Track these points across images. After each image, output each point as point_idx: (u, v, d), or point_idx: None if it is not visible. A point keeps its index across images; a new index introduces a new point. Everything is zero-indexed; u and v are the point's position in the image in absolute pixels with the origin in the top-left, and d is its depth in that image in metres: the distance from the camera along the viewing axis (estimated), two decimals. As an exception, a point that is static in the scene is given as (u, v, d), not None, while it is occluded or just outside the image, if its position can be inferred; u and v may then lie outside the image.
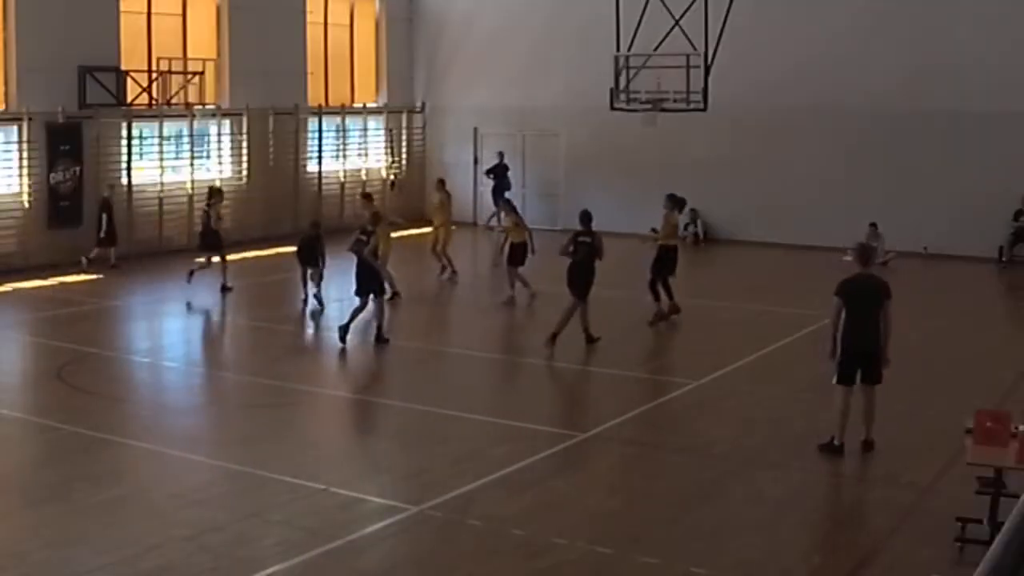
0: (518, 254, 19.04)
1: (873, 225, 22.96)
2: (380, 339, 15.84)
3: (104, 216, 22.07)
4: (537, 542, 8.99)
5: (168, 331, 18.23)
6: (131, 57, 23.42)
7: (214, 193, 20.58)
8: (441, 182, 22.87)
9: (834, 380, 11.18)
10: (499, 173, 27.93)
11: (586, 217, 15.85)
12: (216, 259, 19.87)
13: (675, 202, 17.70)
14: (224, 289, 19.63)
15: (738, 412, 13.02)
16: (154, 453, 11.30)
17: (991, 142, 23.17)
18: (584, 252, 15.53)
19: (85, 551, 8.75)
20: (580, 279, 15.55)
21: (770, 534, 9.33)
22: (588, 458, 11.35)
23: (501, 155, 27.95)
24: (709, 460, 11.27)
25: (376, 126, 29.63)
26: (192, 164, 24.87)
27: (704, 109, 21.06)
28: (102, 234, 21.96)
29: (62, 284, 20.50)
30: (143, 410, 13.13)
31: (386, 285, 17.25)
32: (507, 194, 25.29)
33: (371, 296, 15.87)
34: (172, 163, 24.87)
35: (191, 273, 19.68)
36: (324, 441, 11.91)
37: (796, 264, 23.19)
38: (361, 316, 15.99)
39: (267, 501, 9.84)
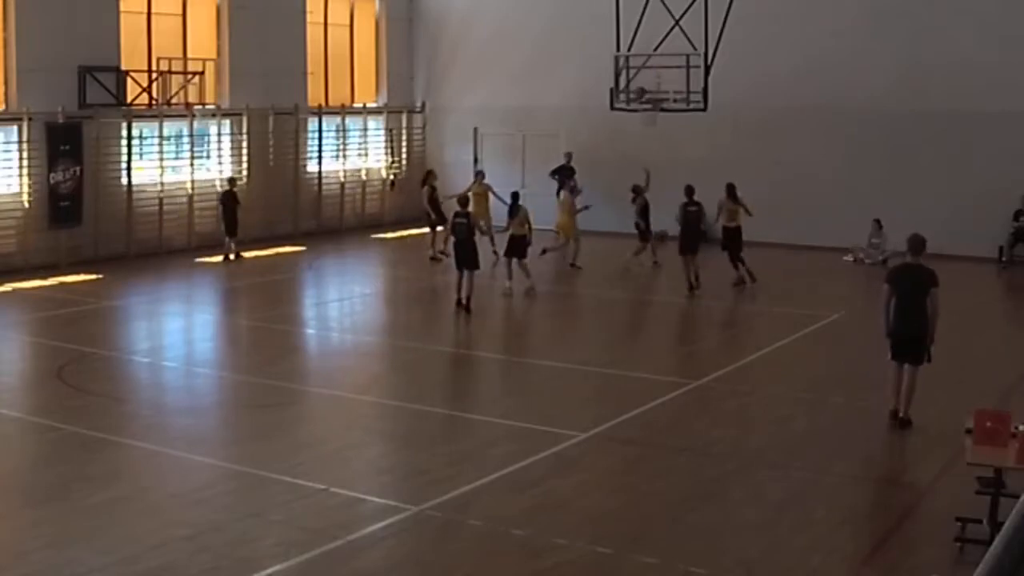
0: (518, 246, 19.52)
1: (877, 221, 22.98)
2: (466, 307, 17.73)
3: (235, 207, 23.41)
4: (537, 542, 8.99)
5: (168, 331, 18.23)
6: (131, 57, 23.42)
7: (430, 172, 24.98)
8: (480, 173, 24.25)
9: (888, 357, 12.07)
10: (565, 175, 26.74)
11: (690, 190, 20.28)
12: (437, 228, 23.32)
13: (729, 190, 20.81)
14: (442, 254, 22.81)
15: (738, 412, 13.02)
16: (154, 453, 11.29)
17: (991, 142, 23.15)
18: (694, 218, 20.26)
19: (85, 551, 8.75)
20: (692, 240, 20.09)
21: (770, 534, 9.33)
22: (588, 458, 11.34)
23: (569, 156, 26.67)
24: (709, 460, 11.27)
25: (376, 126, 29.63)
26: (192, 164, 24.88)
27: (704, 109, 21.07)
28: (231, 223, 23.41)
29: (62, 284, 20.50)
30: (143, 410, 13.11)
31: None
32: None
33: (467, 271, 17.83)
34: (172, 163, 24.88)
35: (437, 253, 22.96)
36: (324, 441, 11.89)
37: (796, 264, 23.18)
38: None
39: (267, 501, 9.83)
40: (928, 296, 11.82)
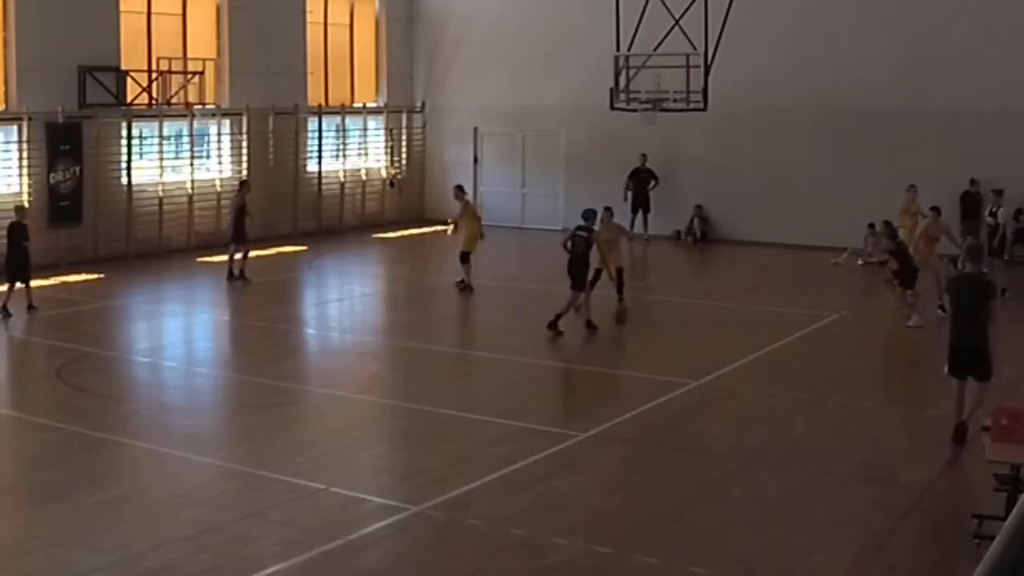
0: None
1: (871, 226, 22.95)
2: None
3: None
4: (537, 542, 8.99)
5: (168, 331, 18.23)
6: (131, 57, 23.43)
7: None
8: (460, 188, 21.25)
9: (945, 370, 11.63)
10: (638, 178, 26.29)
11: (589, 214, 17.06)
12: None
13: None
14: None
15: (738, 412, 13.02)
16: (154, 453, 11.30)
17: (990, 141, 23.15)
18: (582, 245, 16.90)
19: (85, 551, 8.75)
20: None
21: (770, 534, 9.33)
22: (588, 458, 11.34)
23: (644, 157, 26.08)
24: (709, 460, 11.27)
25: (376, 126, 29.64)
26: (192, 164, 24.87)
27: (704, 109, 21.07)
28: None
29: (62, 284, 20.49)
30: (143, 410, 13.12)
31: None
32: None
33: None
34: (172, 163, 24.88)
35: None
36: (324, 441, 11.90)
37: (796, 264, 23.17)
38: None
39: (267, 501, 9.84)
40: (985, 308, 11.38)
